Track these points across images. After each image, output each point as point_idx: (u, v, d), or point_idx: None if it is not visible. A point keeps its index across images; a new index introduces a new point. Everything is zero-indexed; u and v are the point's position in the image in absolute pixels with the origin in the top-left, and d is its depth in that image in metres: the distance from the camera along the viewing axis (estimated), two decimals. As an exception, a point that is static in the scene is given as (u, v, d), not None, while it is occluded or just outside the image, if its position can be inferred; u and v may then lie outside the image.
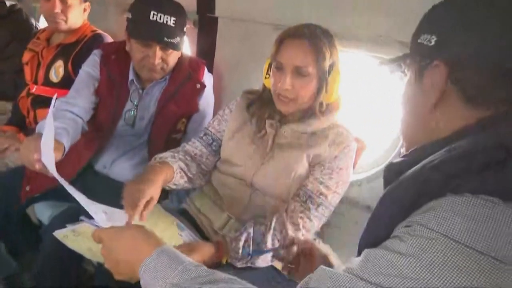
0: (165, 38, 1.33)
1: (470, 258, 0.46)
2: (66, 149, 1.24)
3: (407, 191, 0.55)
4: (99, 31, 1.87)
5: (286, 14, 1.53)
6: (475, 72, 0.57)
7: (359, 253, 0.61)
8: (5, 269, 1.67)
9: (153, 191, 1.07)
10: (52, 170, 0.97)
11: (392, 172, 0.63)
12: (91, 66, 1.49)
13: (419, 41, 0.64)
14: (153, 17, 1.31)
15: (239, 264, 1.11)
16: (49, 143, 1.02)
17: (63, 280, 1.36)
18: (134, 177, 1.14)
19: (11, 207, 1.50)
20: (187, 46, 1.96)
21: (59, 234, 1.08)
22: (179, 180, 1.23)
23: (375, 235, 0.59)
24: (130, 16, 1.37)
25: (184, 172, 1.24)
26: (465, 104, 0.59)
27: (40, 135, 1.05)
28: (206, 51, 1.84)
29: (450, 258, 0.47)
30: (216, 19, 1.79)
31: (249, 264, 1.12)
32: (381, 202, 0.61)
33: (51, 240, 1.29)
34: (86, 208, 0.91)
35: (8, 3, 2.30)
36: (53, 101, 1.01)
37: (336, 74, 1.16)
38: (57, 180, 1.27)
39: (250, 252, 1.11)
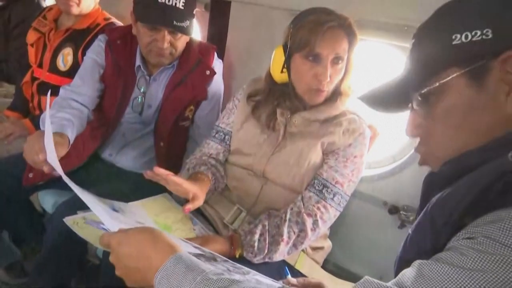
0: (174, 22, 1.26)
1: None
2: (71, 141, 1.19)
3: (463, 199, 0.49)
4: (113, 19, 1.79)
5: (303, 0, 1.45)
6: None
7: (400, 262, 0.54)
8: (8, 257, 1.65)
9: (200, 192, 1.06)
10: (59, 171, 0.92)
11: (436, 179, 0.58)
12: (96, 53, 1.43)
13: (455, 43, 0.56)
14: None
15: (256, 260, 1.07)
16: (50, 144, 0.96)
17: (66, 271, 1.33)
18: None
19: (14, 195, 1.46)
20: (198, 31, 1.89)
21: (69, 220, 1.02)
22: (212, 187, 1.19)
23: (423, 244, 0.54)
24: None
25: (216, 178, 1.21)
26: None
27: (43, 134, 1.00)
28: (218, 36, 1.76)
29: None
30: (229, 3, 1.71)
31: (266, 259, 1.08)
32: (430, 210, 0.54)
33: (55, 230, 1.26)
34: (93, 210, 0.85)
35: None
36: (47, 107, 0.95)
37: (354, 60, 1.14)
38: (62, 168, 1.23)
39: (266, 245, 1.06)
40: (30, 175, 1.42)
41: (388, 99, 0.67)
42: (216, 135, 1.29)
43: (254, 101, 1.23)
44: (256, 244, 1.06)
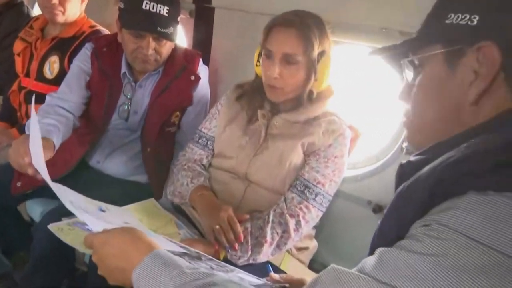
0: (158, 28, 1.29)
1: (491, 259, 0.42)
2: (57, 147, 1.21)
3: (423, 189, 0.51)
4: (98, 27, 1.80)
5: (284, 4, 1.47)
6: None
7: (371, 252, 0.57)
8: (-1, 268, 1.64)
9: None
10: (44, 175, 0.93)
11: (407, 170, 0.59)
12: (82, 60, 1.45)
13: (447, 21, 0.57)
14: (145, 6, 1.27)
15: (240, 262, 1.09)
16: (37, 147, 0.97)
17: (54, 279, 1.33)
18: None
19: (2, 205, 1.46)
20: (183, 37, 1.91)
21: (53, 227, 1.03)
22: None
23: (389, 234, 0.56)
24: (122, 6, 1.32)
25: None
26: (510, 92, 0.54)
27: (28, 137, 1.01)
28: (203, 42, 1.79)
29: (471, 259, 0.43)
30: (213, 9, 1.74)
31: (250, 261, 1.10)
32: (395, 200, 0.57)
33: (42, 238, 1.27)
34: (78, 216, 0.87)
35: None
36: (33, 110, 0.96)
37: (326, 62, 1.14)
38: (50, 175, 1.23)
39: (250, 247, 1.08)
40: (18, 184, 1.42)
41: (392, 59, 0.69)
42: (199, 141, 1.32)
43: (242, 89, 1.27)
44: (239, 246, 1.07)
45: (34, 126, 0.95)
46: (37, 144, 0.96)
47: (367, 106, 1.54)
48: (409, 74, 0.65)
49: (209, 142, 1.31)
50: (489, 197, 0.44)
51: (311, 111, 1.18)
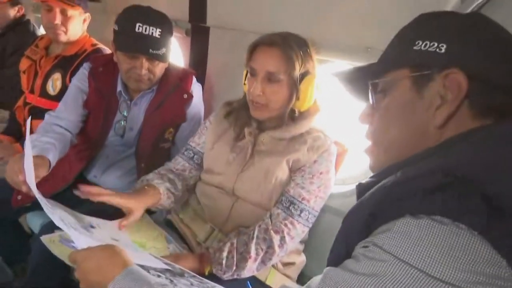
0: (150, 50, 1.34)
1: (418, 280, 0.45)
2: (52, 164, 1.27)
3: (364, 211, 0.54)
4: (99, 45, 1.88)
5: (275, 24, 1.52)
6: (488, 82, 0.56)
7: None
8: (0, 277, 1.70)
9: (136, 206, 1.12)
10: (34, 191, 0.98)
11: (361, 191, 0.63)
12: (79, 80, 1.52)
13: (415, 48, 0.60)
14: (138, 29, 1.32)
15: (225, 277, 1.12)
16: (29, 166, 1.03)
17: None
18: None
19: (3, 217, 1.53)
20: (180, 55, 1.97)
21: (45, 238, 1.09)
22: (165, 201, 1.25)
23: (338, 254, 0.59)
24: (116, 28, 1.38)
25: (172, 193, 1.26)
26: (476, 117, 0.57)
27: (23, 156, 1.06)
28: (199, 60, 1.85)
29: (399, 280, 0.46)
30: (208, 28, 1.80)
31: (235, 276, 1.13)
32: (343, 222, 0.60)
33: (39, 250, 1.32)
34: (66, 231, 0.92)
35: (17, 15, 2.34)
36: (28, 125, 1.01)
37: (309, 82, 1.16)
38: (50, 189, 1.29)
39: (234, 262, 1.11)
40: (19, 197, 1.48)
41: (355, 81, 0.72)
42: (185, 153, 1.36)
43: (230, 107, 1.32)
44: (224, 261, 1.10)
45: (27, 145, 1.00)
46: (29, 162, 1.02)
47: (355, 123, 1.57)
48: (372, 96, 0.68)
49: (195, 156, 1.35)
50: (420, 220, 0.47)
51: (297, 128, 1.21)
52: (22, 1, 2.29)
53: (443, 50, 0.58)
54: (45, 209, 0.93)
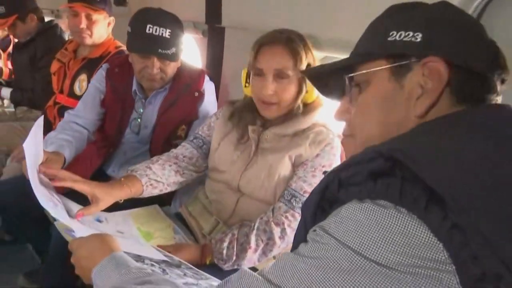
0: (160, 50, 1.40)
1: (355, 263, 0.46)
2: (68, 160, 1.35)
3: (316, 195, 0.56)
4: (123, 47, 1.97)
5: (287, 23, 1.54)
6: (466, 70, 0.56)
7: None
8: (29, 265, 1.84)
9: (103, 196, 1.12)
10: (35, 191, 1.04)
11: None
12: (97, 80, 1.61)
13: (389, 39, 0.60)
14: (149, 30, 1.39)
15: (225, 267, 1.15)
16: (35, 158, 1.09)
17: (70, 276, 1.46)
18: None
19: (30, 210, 1.63)
20: (198, 55, 2.04)
21: (58, 224, 1.16)
22: (151, 191, 1.27)
23: (297, 241, 0.61)
24: (129, 30, 1.46)
25: (160, 182, 1.27)
26: (456, 104, 0.57)
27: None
28: (215, 60, 1.90)
29: (338, 263, 0.47)
30: (223, 29, 1.85)
31: (235, 266, 1.15)
32: (301, 209, 0.62)
33: (58, 237, 1.41)
34: (68, 223, 0.99)
35: (46, 19, 2.51)
36: (40, 122, 1.10)
37: None
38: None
39: (235, 253, 1.14)
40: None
41: (327, 78, 0.72)
42: (194, 140, 1.37)
43: (233, 107, 1.34)
44: (224, 251, 1.14)
45: (37, 138, 1.08)
46: (30, 162, 1.07)
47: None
48: (348, 91, 0.67)
49: (204, 146, 1.37)
50: (364, 204, 0.48)
51: (300, 123, 1.22)
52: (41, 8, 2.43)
53: (418, 39, 0.57)
54: (42, 204, 1.00)
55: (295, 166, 1.22)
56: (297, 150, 1.20)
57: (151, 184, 1.26)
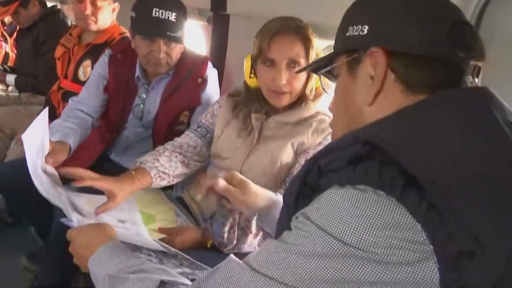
0: (168, 33, 1.41)
1: (334, 248, 0.47)
2: (73, 148, 1.37)
3: (297, 181, 0.57)
4: (127, 33, 1.96)
5: (292, 11, 1.54)
6: (412, 57, 0.56)
7: None
8: (31, 247, 1.86)
9: (119, 192, 1.12)
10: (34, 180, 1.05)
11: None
12: (100, 66, 1.62)
13: (347, 34, 0.62)
14: (155, 13, 1.39)
15: (226, 250, 1.16)
16: (39, 149, 1.10)
17: (70, 259, 1.48)
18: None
19: (33, 192, 1.65)
20: (203, 43, 2.03)
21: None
22: (160, 183, 1.26)
23: (280, 228, 0.62)
24: (134, 15, 1.46)
25: (167, 174, 1.26)
26: (405, 91, 0.57)
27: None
28: (219, 48, 1.90)
29: (317, 248, 0.48)
30: (228, 16, 1.84)
31: (235, 250, 1.17)
32: (283, 194, 0.63)
33: (60, 220, 1.43)
34: (67, 213, 1.00)
35: (49, 4, 2.51)
36: (44, 114, 1.10)
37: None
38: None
39: (235, 237, 1.15)
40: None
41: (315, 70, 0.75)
42: (198, 129, 1.37)
43: (234, 101, 1.34)
44: (225, 235, 1.15)
45: (43, 129, 1.09)
46: (39, 154, 1.08)
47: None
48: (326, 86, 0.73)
49: (208, 135, 1.36)
50: (343, 190, 0.49)
51: (303, 111, 1.23)
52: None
53: (365, 32, 0.59)
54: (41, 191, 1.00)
55: (297, 154, 1.23)
56: (300, 138, 1.21)
57: (159, 176, 1.25)
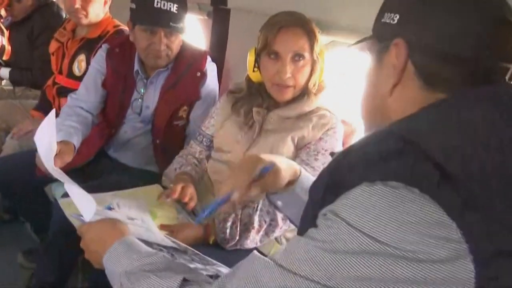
0: (171, 23, 1.41)
1: (367, 246, 0.46)
2: (77, 147, 1.37)
3: (324, 178, 0.55)
4: (122, 26, 1.93)
5: (293, 5, 1.52)
6: (434, 53, 0.55)
7: None
8: (27, 243, 1.84)
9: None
10: (57, 176, 1.03)
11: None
12: (97, 62, 1.59)
13: (382, 20, 0.62)
14: (157, 4, 1.39)
15: (228, 246, 1.16)
16: (48, 152, 1.09)
17: (70, 254, 1.46)
18: None
19: (30, 187, 1.63)
20: (202, 37, 2.01)
21: (62, 201, 1.15)
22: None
23: (306, 222, 0.60)
24: (134, 6, 1.44)
25: (198, 176, 1.35)
26: (423, 87, 0.57)
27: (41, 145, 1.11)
28: (219, 42, 1.88)
29: (349, 246, 0.47)
30: (228, 10, 1.82)
31: (238, 246, 1.16)
32: (309, 192, 0.61)
33: (59, 215, 1.40)
34: (77, 205, 0.98)
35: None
36: (52, 115, 1.08)
37: (323, 53, 1.20)
38: (73, 165, 1.35)
39: (238, 232, 1.15)
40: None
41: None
42: (198, 137, 1.41)
43: (235, 97, 1.33)
44: (228, 231, 1.14)
45: (48, 133, 1.06)
46: (47, 149, 1.07)
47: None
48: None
49: (204, 139, 1.40)
50: (375, 187, 0.47)
51: (304, 106, 1.23)
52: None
53: (395, 21, 0.59)
54: (67, 189, 0.99)
55: (298, 148, 1.22)
56: (300, 132, 1.20)
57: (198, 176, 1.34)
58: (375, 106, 0.64)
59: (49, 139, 1.12)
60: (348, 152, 0.53)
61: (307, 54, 1.16)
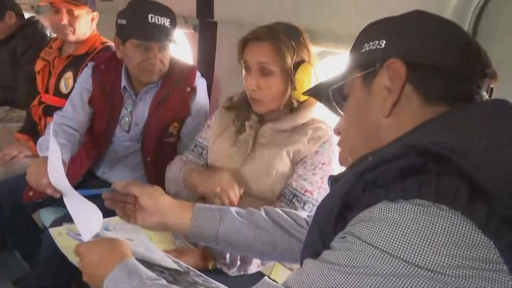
0: (165, 38, 1.41)
1: (399, 269, 0.43)
2: (67, 164, 1.31)
3: (337, 199, 0.52)
4: (109, 43, 1.90)
5: (281, 17, 1.51)
6: (431, 68, 0.56)
7: (301, 264, 0.58)
8: (17, 272, 1.77)
9: None
10: (67, 189, 0.98)
11: (333, 184, 0.62)
12: (83, 79, 1.56)
13: (363, 50, 0.63)
14: (151, 19, 1.39)
15: (230, 272, 1.12)
16: (58, 167, 1.02)
17: (62, 282, 1.41)
18: None
19: (18, 213, 1.57)
20: (189, 51, 1.98)
21: (53, 231, 1.09)
22: None
23: (313, 246, 0.57)
24: (124, 22, 1.42)
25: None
26: (423, 103, 0.57)
27: (45, 160, 1.07)
28: (207, 55, 1.85)
29: (379, 270, 0.43)
30: (215, 23, 1.80)
31: (242, 272, 1.13)
32: (315, 213, 0.59)
33: (49, 243, 1.35)
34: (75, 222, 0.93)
35: (26, 15, 2.42)
36: (51, 129, 1.07)
37: (305, 71, 1.14)
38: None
39: (238, 257, 1.10)
40: (31, 193, 1.52)
41: (324, 95, 0.75)
42: (195, 149, 1.36)
43: (228, 111, 1.31)
44: (227, 256, 1.10)
45: (53, 147, 1.01)
46: (58, 164, 1.00)
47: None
48: (335, 104, 0.71)
49: (203, 152, 1.35)
50: (398, 205, 0.44)
51: (297, 119, 1.20)
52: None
53: (383, 45, 0.60)
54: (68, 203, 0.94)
55: (294, 162, 1.19)
56: (295, 146, 1.17)
57: None
58: (367, 131, 0.62)
59: (53, 154, 1.06)
60: (364, 172, 0.50)
61: (274, 68, 1.12)
